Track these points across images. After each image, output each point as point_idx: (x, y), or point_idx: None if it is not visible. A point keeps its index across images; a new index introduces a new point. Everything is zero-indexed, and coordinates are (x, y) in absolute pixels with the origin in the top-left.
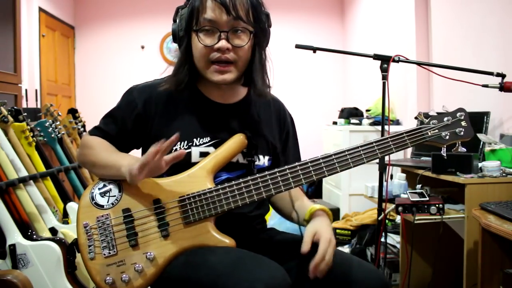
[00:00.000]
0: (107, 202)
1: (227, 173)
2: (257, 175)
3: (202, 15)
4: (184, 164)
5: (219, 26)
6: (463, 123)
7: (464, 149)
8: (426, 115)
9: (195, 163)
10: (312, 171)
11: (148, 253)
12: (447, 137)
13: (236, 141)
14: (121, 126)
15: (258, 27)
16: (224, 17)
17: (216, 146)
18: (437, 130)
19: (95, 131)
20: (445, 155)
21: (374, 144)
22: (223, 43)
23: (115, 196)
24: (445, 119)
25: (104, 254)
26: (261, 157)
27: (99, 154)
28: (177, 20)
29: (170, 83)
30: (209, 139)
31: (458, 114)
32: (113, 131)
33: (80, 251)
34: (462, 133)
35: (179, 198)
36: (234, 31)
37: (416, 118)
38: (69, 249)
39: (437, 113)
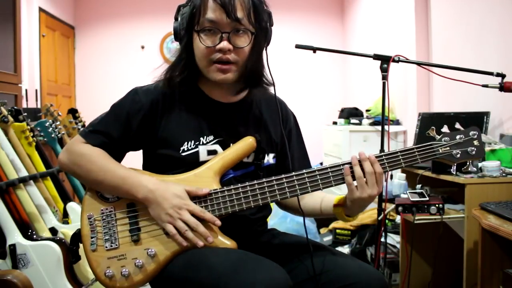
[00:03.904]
0: (113, 195)
1: (233, 172)
2: (264, 180)
3: (203, 15)
4: (192, 163)
5: (220, 27)
6: (475, 142)
7: (474, 169)
8: (439, 132)
9: (203, 162)
10: (319, 180)
11: (150, 250)
12: (458, 155)
13: (246, 144)
14: (125, 124)
15: (260, 28)
16: (225, 18)
17: (220, 144)
18: (448, 148)
19: (89, 135)
20: (455, 173)
21: (384, 157)
22: (224, 44)
23: None
24: (458, 137)
25: (106, 247)
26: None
27: (104, 165)
28: (179, 19)
29: (162, 82)
30: (212, 137)
31: (471, 133)
32: (116, 130)
33: (82, 241)
34: (473, 152)
35: None
36: (236, 31)
37: (427, 133)
38: (73, 239)
39: (450, 130)
